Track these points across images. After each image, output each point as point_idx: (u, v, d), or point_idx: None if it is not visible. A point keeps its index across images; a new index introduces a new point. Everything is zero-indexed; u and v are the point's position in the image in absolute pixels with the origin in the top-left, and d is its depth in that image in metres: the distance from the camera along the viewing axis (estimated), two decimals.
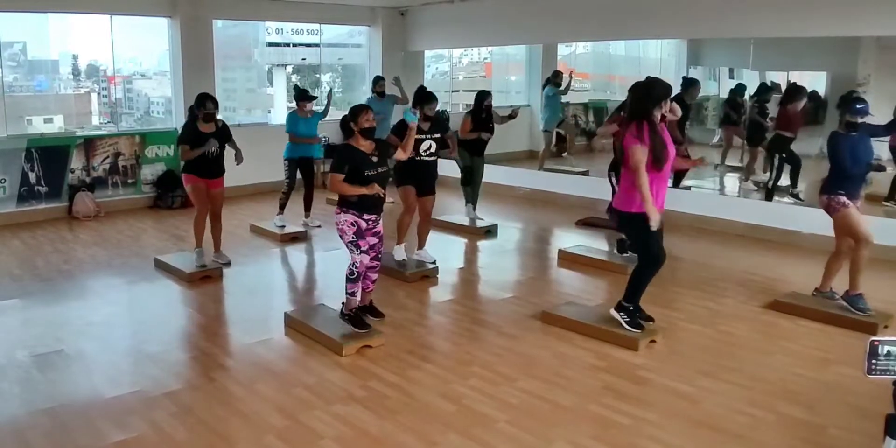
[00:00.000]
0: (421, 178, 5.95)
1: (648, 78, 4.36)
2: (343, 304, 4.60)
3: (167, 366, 4.26)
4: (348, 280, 4.49)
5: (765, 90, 8.86)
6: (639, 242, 4.47)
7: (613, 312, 4.56)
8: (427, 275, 5.92)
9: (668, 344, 4.47)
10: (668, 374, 4.02)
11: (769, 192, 8.06)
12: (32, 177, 8.07)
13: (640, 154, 4.12)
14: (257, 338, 4.63)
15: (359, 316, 4.56)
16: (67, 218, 8.16)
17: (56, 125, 9.02)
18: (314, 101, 7.59)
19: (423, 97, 5.94)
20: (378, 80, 8.90)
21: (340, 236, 4.50)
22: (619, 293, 4.75)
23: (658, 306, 5.18)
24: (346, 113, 4.56)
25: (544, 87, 10.34)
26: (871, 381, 2.12)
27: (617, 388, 3.87)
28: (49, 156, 8.15)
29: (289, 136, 7.34)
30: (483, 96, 7.36)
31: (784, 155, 7.96)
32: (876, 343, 1.97)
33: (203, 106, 5.80)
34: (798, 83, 8.52)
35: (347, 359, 4.23)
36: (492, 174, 9.46)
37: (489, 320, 4.96)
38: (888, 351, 1.97)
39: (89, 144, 8.47)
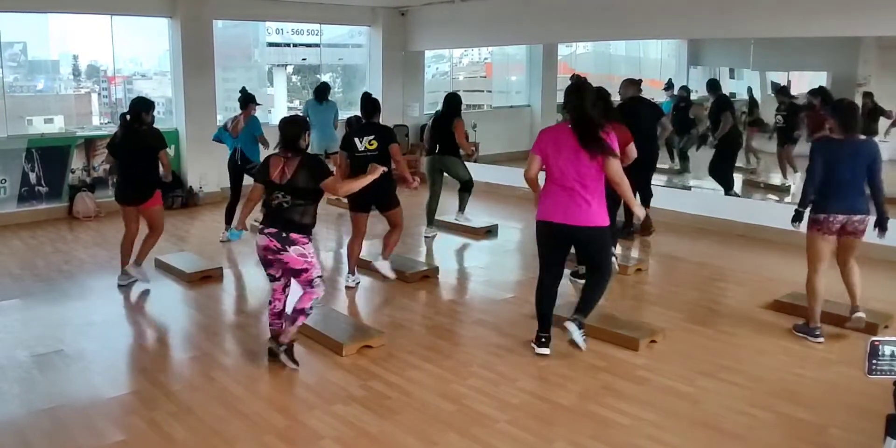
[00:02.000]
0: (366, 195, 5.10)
1: (581, 78, 4.04)
2: (287, 337, 4.12)
3: (167, 366, 4.26)
4: (305, 314, 4.09)
5: (784, 91, 8.92)
6: (605, 254, 4.26)
7: (578, 336, 4.30)
8: (427, 275, 5.91)
9: (667, 344, 4.46)
10: (668, 374, 4.02)
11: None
12: (33, 177, 8.08)
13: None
14: (257, 337, 4.62)
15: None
16: (68, 218, 8.17)
17: (56, 125, 9.01)
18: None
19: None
20: (328, 87, 8.93)
21: (304, 270, 4.01)
22: (620, 293, 4.75)
23: (658, 306, 5.19)
24: (290, 121, 4.15)
25: None
26: (871, 381, 2.12)
27: (617, 388, 3.87)
28: (49, 156, 8.15)
29: (259, 138, 6.88)
30: (460, 99, 7.14)
31: None
32: (876, 343, 1.97)
33: (153, 108, 5.54)
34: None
35: (347, 359, 4.23)
36: (492, 174, 9.50)
37: (489, 320, 4.95)
38: (889, 351, 1.97)
39: (90, 145, 8.47)
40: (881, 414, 2.14)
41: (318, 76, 11.05)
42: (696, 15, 7.48)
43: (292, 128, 4.04)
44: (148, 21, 8.95)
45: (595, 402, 3.68)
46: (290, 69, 11.43)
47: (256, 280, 6.16)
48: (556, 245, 4.21)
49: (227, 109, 9.77)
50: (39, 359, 4.21)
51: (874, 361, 1.98)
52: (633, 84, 6.74)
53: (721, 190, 8.17)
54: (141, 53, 9.80)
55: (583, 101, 3.92)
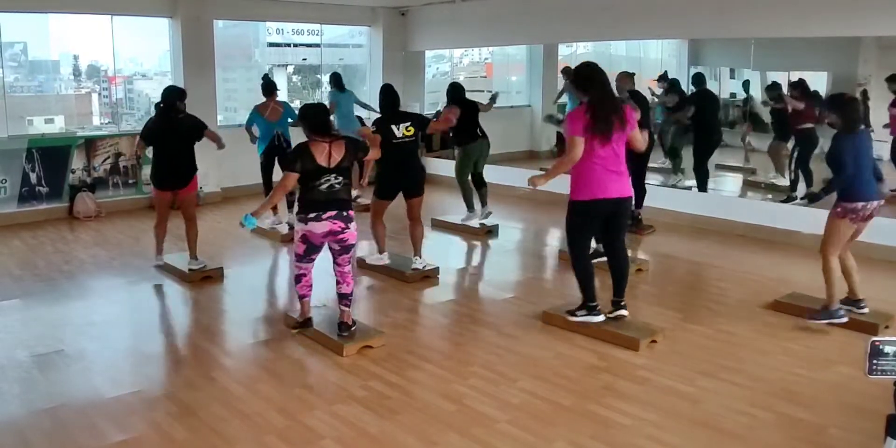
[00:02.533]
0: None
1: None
2: (351, 317, 4.49)
3: (167, 366, 4.27)
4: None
5: (775, 88, 8.92)
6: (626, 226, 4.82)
7: (625, 312, 4.66)
8: (427, 275, 5.90)
9: (668, 344, 4.46)
10: (668, 374, 4.02)
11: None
12: (33, 177, 8.07)
13: None
14: (257, 338, 4.63)
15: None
16: (68, 218, 8.16)
17: (57, 125, 9.02)
18: None
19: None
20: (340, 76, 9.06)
21: (355, 243, 4.45)
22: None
23: (658, 306, 5.19)
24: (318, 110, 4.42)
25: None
26: (871, 381, 2.12)
27: (617, 388, 3.87)
28: (50, 156, 8.14)
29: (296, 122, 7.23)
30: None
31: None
32: (877, 343, 1.97)
33: (185, 96, 5.81)
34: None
35: (348, 359, 4.23)
36: (492, 174, 9.46)
37: (490, 320, 4.96)
38: (890, 351, 1.97)
39: (90, 145, 8.47)
40: (881, 414, 2.14)
41: (319, 76, 11.05)
42: (696, 15, 7.47)
43: (321, 114, 4.31)
44: (148, 21, 8.94)
45: (595, 402, 3.68)
46: (290, 69, 11.42)
47: (256, 280, 6.17)
48: (599, 221, 4.55)
49: (227, 109, 9.79)
50: (39, 359, 4.21)
51: (874, 361, 1.98)
52: (628, 77, 6.89)
53: (723, 189, 8.19)
54: (141, 53, 9.80)
55: (607, 83, 4.32)
